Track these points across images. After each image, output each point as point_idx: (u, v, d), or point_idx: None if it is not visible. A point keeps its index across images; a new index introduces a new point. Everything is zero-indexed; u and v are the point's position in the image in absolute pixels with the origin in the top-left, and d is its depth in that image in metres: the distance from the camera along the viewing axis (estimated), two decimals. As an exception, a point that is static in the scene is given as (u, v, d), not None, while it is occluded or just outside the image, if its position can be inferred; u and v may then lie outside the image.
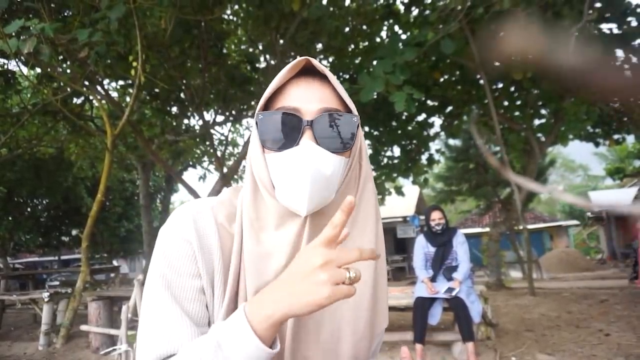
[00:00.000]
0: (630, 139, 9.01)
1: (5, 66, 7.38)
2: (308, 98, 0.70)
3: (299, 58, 0.71)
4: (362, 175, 0.76)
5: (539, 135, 8.62)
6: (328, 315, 0.72)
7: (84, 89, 6.94)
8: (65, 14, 6.51)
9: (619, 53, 6.57)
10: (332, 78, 0.72)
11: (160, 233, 0.73)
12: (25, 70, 7.07)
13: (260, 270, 0.70)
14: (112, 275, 15.77)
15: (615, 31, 6.25)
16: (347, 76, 8.51)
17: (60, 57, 6.39)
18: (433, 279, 4.37)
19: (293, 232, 0.70)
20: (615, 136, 8.86)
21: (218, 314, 0.69)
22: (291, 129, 0.69)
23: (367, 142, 9.32)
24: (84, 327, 5.95)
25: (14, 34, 4.54)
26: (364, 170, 0.76)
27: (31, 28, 4.51)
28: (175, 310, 0.66)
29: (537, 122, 8.69)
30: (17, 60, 6.04)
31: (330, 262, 0.57)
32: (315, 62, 0.71)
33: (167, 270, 0.69)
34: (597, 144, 9.24)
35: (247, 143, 9.50)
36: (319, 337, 0.72)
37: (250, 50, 9.01)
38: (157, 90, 8.01)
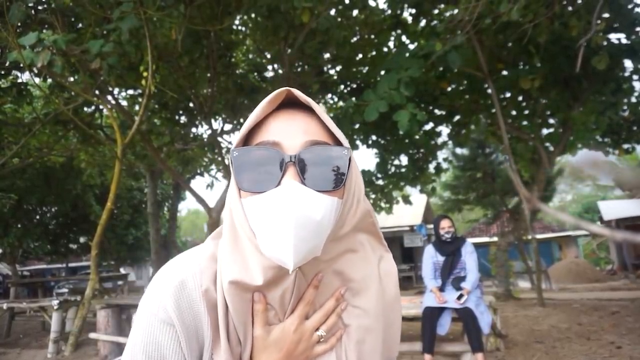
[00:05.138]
0: (640, 148, 8.93)
1: (19, 79, 7.51)
2: (291, 131, 0.63)
3: (279, 89, 0.65)
4: (358, 217, 0.69)
5: (548, 144, 8.59)
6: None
7: (95, 98, 7.04)
8: (78, 26, 6.63)
9: (628, 63, 6.56)
10: (317, 109, 0.65)
11: (140, 307, 0.69)
12: (37, 80, 7.20)
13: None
14: (120, 283, 15.84)
15: (624, 41, 6.25)
16: (355, 86, 8.56)
17: (72, 68, 6.50)
18: (441, 289, 4.34)
19: (281, 289, 0.65)
20: (625, 145, 8.81)
21: None
22: (271, 167, 0.61)
23: (374, 150, 9.33)
24: (92, 335, 5.97)
25: (28, 46, 4.63)
26: (359, 211, 0.69)
27: (44, 40, 4.59)
28: None
29: (545, 131, 8.67)
30: (31, 72, 6.15)
31: (304, 334, 0.68)
32: (297, 92, 0.65)
33: (150, 349, 0.65)
34: (606, 154, 9.17)
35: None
36: None
37: (259, 60, 9.11)
38: (166, 99, 8.10)
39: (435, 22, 7.04)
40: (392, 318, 0.77)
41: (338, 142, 0.67)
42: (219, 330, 0.66)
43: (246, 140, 0.67)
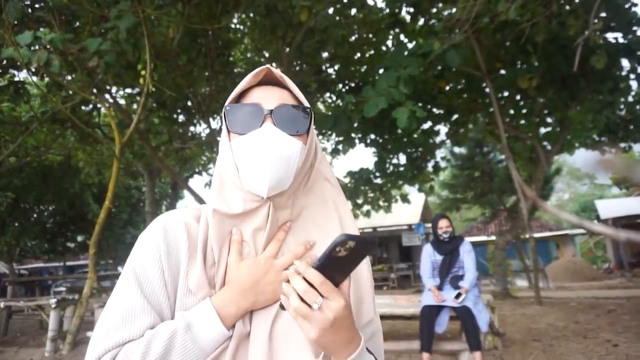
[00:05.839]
0: (637, 147, 8.96)
1: (15, 77, 7.48)
2: (268, 97, 0.83)
3: (261, 67, 0.84)
4: (314, 172, 0.87)
5: (545, 143, 8.61)
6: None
7: (93, 97, 7.02)
8: (76, 24, 6.60)
9: (625, 62, 6.58)
10: (290, 83, 0.84)
11: (139, 237, 0.85)
12: (34, 78, 7.17)
13: (225, 254, 0.81)
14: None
15: (621, 40, 6.26)
16: (353, 84, 8.55)
17: (70, 67, 6.47)
18: (440, 288, 4.36)
19: (255, 224, 0.82)
20: (622, 144, 8.84)
21: (186, 294, 0.79)
22: (255, 117, 0.81)
23: (373, 149, 9.36)
24: (90, 334, 5.95)
25: (24, 44, 4.61)
26: (318, 160, 0.88)
27: (41, 39, 4.57)
28: (140, 300, 0.76)
29: (543, 130, 8.69)
30: (28, 71, 6.12)
31: (273, 266, 0.80)
32: (274, 70, 0.84)
33: (137, 265, 0.79)
34: (603, 153, 9.20)
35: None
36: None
37: (257, 58, 9.09)
38: (164, 98, 8.08)
39: (433, 21, 7.04)
40: (361, 280, 0.84)
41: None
42: (196, 250, 0.81)
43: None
